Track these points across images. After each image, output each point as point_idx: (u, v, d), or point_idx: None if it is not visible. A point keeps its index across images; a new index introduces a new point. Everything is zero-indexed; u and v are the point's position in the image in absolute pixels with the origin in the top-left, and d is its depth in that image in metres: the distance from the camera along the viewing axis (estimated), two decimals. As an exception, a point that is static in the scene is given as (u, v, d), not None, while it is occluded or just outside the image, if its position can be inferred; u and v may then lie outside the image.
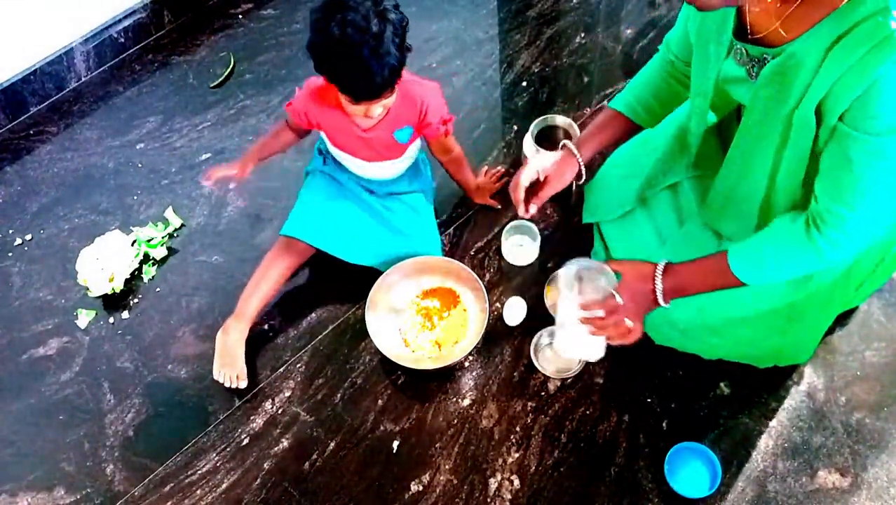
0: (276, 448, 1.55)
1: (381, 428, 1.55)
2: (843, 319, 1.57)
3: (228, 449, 1.55)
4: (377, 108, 1.43)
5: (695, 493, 1.41)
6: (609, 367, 1.56)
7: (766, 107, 1.12)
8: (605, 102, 1.98)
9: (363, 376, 1.62)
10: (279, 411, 1.59)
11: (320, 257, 1.69)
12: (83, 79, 2.19)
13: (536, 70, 2.09)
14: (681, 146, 1.47)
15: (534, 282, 1.70)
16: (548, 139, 1.83)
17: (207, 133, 2.05)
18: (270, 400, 1.60)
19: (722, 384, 1.53)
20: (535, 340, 1.59)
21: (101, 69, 2.21)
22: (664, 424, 1.50)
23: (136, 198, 1.94)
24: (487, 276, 1.73)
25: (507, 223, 1.75)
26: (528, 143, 1.78)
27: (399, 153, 1.62)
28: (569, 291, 1.31)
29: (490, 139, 1.96)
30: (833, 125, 1.02)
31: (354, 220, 1.68)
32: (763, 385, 1.52)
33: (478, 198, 1.81)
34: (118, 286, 1.74)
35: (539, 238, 1.72)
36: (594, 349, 1.36)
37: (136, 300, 1.77)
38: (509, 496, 1.45)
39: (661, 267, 1.27)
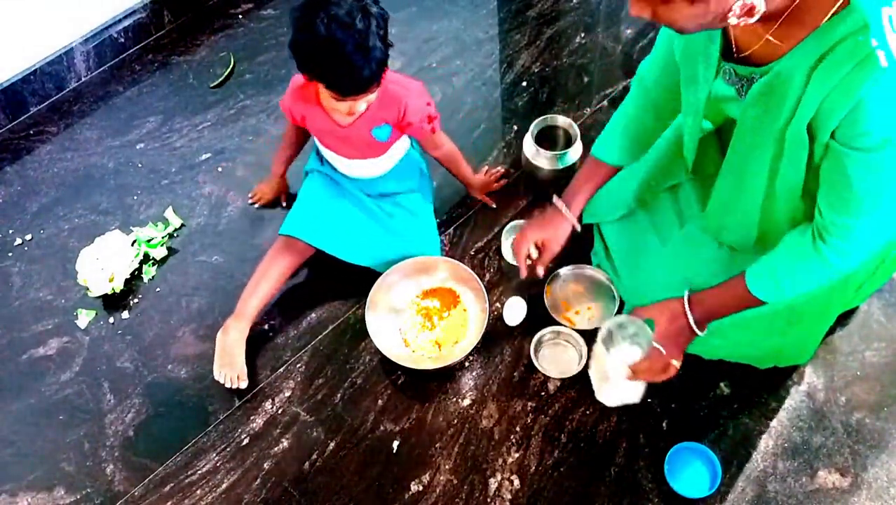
0: (276, 448, 1.55)
1: (381, 428, 1.55)
2: (843, 319, 1.57)
3: (228, 449, 1.55)
4: (361, 104, 1.45)
5: (695, 493, 1.41)
6: (609, 367, 1.57)
7: (757, 124, 1.12)
8: (605, 103, 1.99)
9: (363, 376, 1.62)
10: (279, 411, 1.59)
11: (320, 257, 1.69)
12: (83, 79, 2.19)
13: (536, 70, 2.09)
14: (678, 151, 1.48)
15: (534, 282, 1.69)
16: (548, 139, 1.83)
17: (207, 133, 2.05)
18: (270, 400, 1.60)
19: (722, 384, 1.53)
20: (535, 340, 1.59)
21: (101, 69, 2.21)
22: (664, 424, 1.50)
23: (136, 198, 1.94)
24: (487, 276, 1.73)
25: (507, 223, 1.76)
26: (528, 143, 1.79)
27: (380, 152, 1.62)
28: (606, 349, 1.38)
29: (490, 139, 1.96)
30: (826, 142, 1.03)
31: (353, 221, 1.68)
32: (763, 385, 1.52)
33: (476, 193, 1.82)
34: (118, 286, 1.74)
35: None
36: (636, 393, 1.42)
37: (136, 300, 1.77)
38: (509, 496, 1.45)
39: (686, 300, 1.30)
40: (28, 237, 1.89)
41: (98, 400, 1.63)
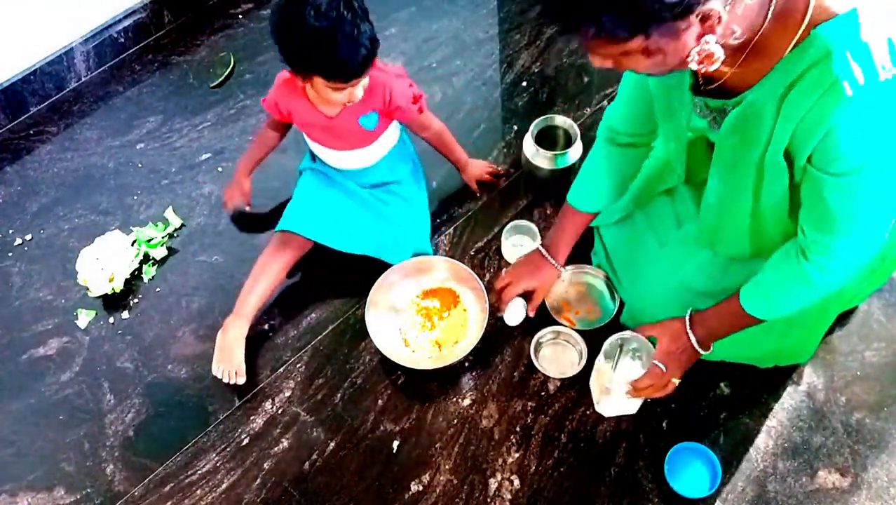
0: (276, 448, 1.55)
1: (381, 428, 1.55)
2: (843, 318, 1.57)
3: (228, 449, 1.55)
4: (359, 90, 1.46)
5: (695, 493, 1.41)
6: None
7: (736, 153, 1.13)
8: (605, 103, 1.99)
9: (363, 376, 1.62)
10: (279, 411, 1.59)
11: (320, 257, 1.70)
12: (83, 79, 2.19)
13: (536, 70, 2.09)
14: (669, 162, 1.48)
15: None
16: (548, 139, 1.83)
17: (207, 133, 2.05)
18: (270, 400, 1.60)
19: (722, 384, 1.53)
20: (535, 340, 1.59)
21: (101, 69, 2.21)
22: (664, 424, 1.50)
23: (136, 198, 1.94)
24: (487, 276, 1.73)
25: (507, 223, 1.76)
26: (528, 143, 1.78)
27: (368, 141, 1.63)
28: (608, 363, 1.43)
29: (490, 139, 1.96)
30: (804, 165, 1.04)
31: (346, 211, 1.69)
32: (763, 385, 1.52)
33: (465, 176, 1.83)
34: (118, 286, 1.74)
35: (539, 238, 1.72)
36: (635, 405, 1.48)
37: (136, 300, 1.77)
38: (509, 496, 1.45)
39: (688, 320, 1.33)
40: (28, 237, 1.89)
41: (98, 400, 1.63)
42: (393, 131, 1.68)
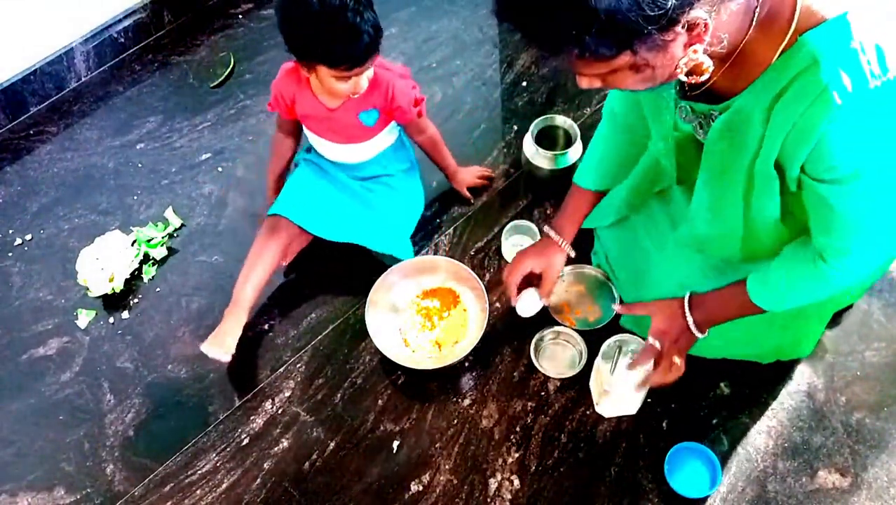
0: (276, 448, 1.55)
1: (381, 428, 1.55)
2: (843, 318, 1.57)
3: (228, 449, 1.55)
4: (364, 80, 1.47)
5: (695, 493, 1.41)
6: (609, 367, 1.57)
7: (724, 159, 1.12)
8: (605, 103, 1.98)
9: (363, 376, 1.62)
10: (279, 411, 1.59)
11: (320, 257, 1.70)
12: (83, 79, 2.19)
13: (536, 70, 2.09)
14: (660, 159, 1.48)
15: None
16: (548, 139, 1.83)
17: (207, 133, 2.05)
18: (270, 400, 1.60)
19: (722, 384, 1.53)
20: (535, 340, 1.59)
21: (101, 69, 2.21)
22: (664, 424, 1.50)
23: (136, 198, 1.94)
24: (487, 276, 1.73)
25: (507, 223, 1.76)
26: (528, 143, 1.78)
27: (365, 137, 1.63)
28: (607, 364, 1.43)
29: (490, 139, 1.96)
30: (797, 175, 1.03)
31: (335, 201, 1.70)
32: (763, 385, 1.52)
33: (455, 184, 1.83)
34: (118, 286, 1.74)
35: (539, 238, 1.72)
36: (634, 406, 1.48)
37: (136, 300, 1.77)
38: (509, 496, 1.45)
39: (686, 301, 1.31)
40: (28, 237, 1.89)
41: (98, 400, 1.63)
42: (391, 131, 1.68)
